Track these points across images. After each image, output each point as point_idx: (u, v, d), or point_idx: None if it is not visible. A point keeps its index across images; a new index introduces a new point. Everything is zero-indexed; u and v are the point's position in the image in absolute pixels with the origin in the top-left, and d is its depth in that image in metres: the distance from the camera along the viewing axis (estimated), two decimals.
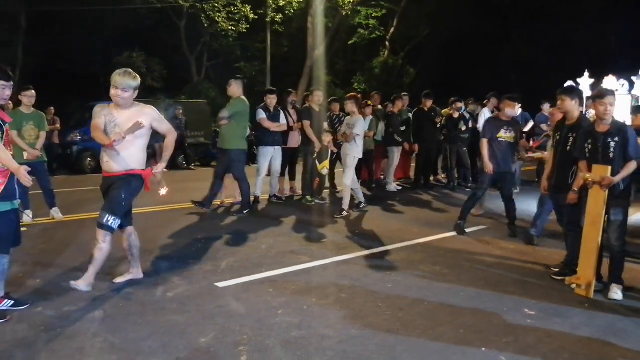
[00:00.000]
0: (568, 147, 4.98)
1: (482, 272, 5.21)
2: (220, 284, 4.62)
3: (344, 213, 7.66)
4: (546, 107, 10.24)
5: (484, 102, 10.77)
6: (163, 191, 4.61)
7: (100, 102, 10.32)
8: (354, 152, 7.76)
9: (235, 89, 7.68)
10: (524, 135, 9.02)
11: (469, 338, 3.66)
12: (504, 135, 6.65)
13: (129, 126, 4.14)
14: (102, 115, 4.23)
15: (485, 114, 10.46)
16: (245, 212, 7.68)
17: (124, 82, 4.12)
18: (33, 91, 6.95)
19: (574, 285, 4.70)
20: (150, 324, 3.76)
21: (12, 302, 3.98)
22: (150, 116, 4.28)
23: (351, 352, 3.40)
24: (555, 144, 5.26)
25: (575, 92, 5.14)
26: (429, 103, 10.50)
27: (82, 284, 4.15)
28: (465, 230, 6.85)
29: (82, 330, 3.63)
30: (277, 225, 7.06)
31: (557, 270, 5.14)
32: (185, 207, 7.83)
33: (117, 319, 3.84)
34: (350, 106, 7.81)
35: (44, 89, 16.22)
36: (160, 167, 4.42)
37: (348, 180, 7.75)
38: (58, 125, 13.59)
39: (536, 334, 3.77)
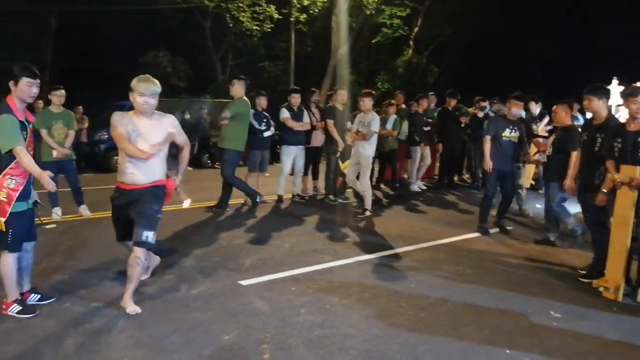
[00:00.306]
0: (596, 148, 4.87)
1: (506, 273, 5.15)
2: (244, 282, 4.66)
3: (367, 213, 7.64)
4: (574, 107, 10.05)
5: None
6: (186, 203, 4.62)
7: (124, 102, 10.34)
8: (370, 151, 7.69)
9: (238, 89, 7.64)
10: (547, 134, 8.96)
11: (493, 339, 3.63)
12: (509, 134, 6.63)
13: (153, 135, 4.00)
14: (122, 125, 3.99)
15: None
16: (258, 201, 7.72)
17: (151, 89, 3.95)
18: (63, 90, 7.09)
19: (601, 288, 4.62)
20: (174, 320, 3.81)
21: (39, 296, 4.05)
22: (171, 125, 4.15)
23: (374, 351, 3.40)
24: (582, 145, 5.16)
25: (602, 91, 5.01)
26: (453, 102, 10.40)
27: (133, 307, 3.96)
28: (489, 230, 6.80)
29: (109, 326, 3.70)
30: (300, 224, 7.08)
31: (584, 272, 5.06)
32: (209, 206, 7.89)
33: (142, 315, 3.90)
34: (368, 103, 7.71)
35: (72, 88, 16.58)
36: (178, 179, 4.34)
37: (367, 180, 7.72)
38: (86, 124, 13.84)
39: (562, 337, 3.72)
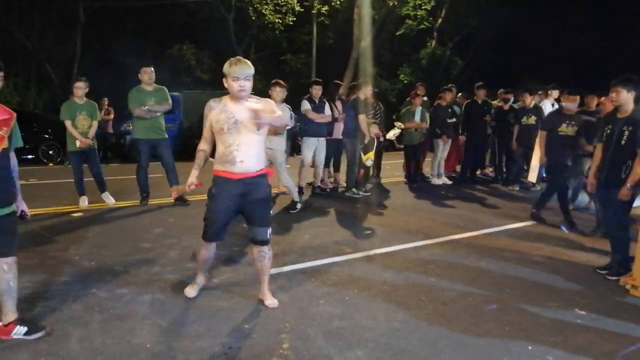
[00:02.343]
0: (622, 142, 4.74)
1: (530, 269, 5.08)
2: None
3: (298, 206, 7.37)
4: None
5: (547, 93, 10.53)
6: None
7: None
8: (282, 145, 7.28)
9: (154, 76, 7.49)
10: None
11: (515, 336, 3.58)
12: (565, 129, 6.75)
13: (251, 122, 3.61)
14: (217, 113, 3.68)
15: (547, 107, 10.21)
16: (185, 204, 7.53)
17: (246, 71, 3.61)
18: (80, 82, 7.15)
19: (628, 286, 4.53)
20: (196, 308, 3.86)
21: (26, 328, 3.33)
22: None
23: (393, 344, 3.39)
24: (605, 138, 5.02)
25: (631, 83, 4.82)
26: (482, 94, 10.19)
27: (272, 301, 3.95)
28: (542, 218, 7.05)
29: (133, 312, 3.76)
30: (320, 216, 7.09)
31: (605, 272, 4.95)
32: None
33: (165, 302, 3.96)
34: (279, 93, 7.22)
35: (100, 80, 16.82)
36: None
37: (286, 178, 7.34)
38: (112, 116, 14.04)
39: (587, 335, 3.65)
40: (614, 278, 4.79)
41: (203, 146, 3.83)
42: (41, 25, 20.11)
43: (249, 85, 3.63)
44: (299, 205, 7.40)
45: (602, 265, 5.09)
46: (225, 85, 3.66)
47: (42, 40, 20.11)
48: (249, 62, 3.65)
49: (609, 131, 4.93)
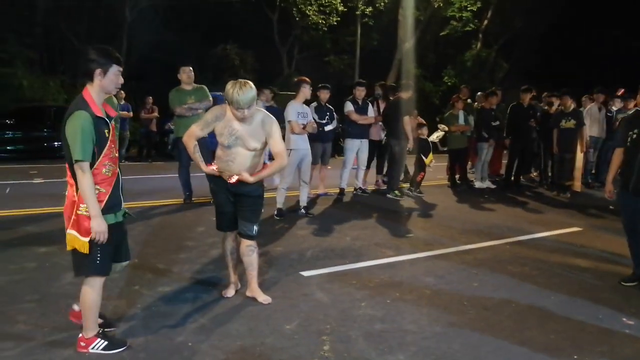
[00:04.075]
0: None
1: (574, 276, 4.94)
2: (305, 273, 4.72)
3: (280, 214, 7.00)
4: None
5: (591, 96, 10.29)
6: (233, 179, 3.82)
7: None
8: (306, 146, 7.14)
9: (193, 75, 7.56)
10: None
11: (560, 344, 3.49)
12: None
13: (251, 141, 3.73)
14: (218, 126, 3.78)
15: (593, 110, 9.95)
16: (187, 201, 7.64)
17: (247, 99, 3.56)
18: None
19: None
20: (238, 307, 3.91)
21: (105, 343, 3.20)
22: (267, 133, 3.81)
23: (434, 349, 3.35)
24: (630, 143, 4.66)
25: None
26: (527, 98, 9.86)
27: (264, 297, 4.05)
28: None
29: (175, 310, 3.83)
30: (361, 218, 7.07)
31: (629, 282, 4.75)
32: (270, 197, 8.00)
33: (207, 301, 4.02)
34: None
35: (145, 79, 17.20)
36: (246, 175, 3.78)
37: (286, 180, 7.10)
38: (155, 114, 14.30)
39: (635, 345, 3.53)
40: (632, 284, 4.60)
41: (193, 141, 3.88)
42: (89, 24, 20.70)
43: (250, 112, 3.67)
44: (280, 214, 7.00)
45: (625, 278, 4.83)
46: (228, 108, 3.72)
47: (90, 38, 20.72)
48: (251, 85, 3.60)
49: (635, 136, 4.58)
